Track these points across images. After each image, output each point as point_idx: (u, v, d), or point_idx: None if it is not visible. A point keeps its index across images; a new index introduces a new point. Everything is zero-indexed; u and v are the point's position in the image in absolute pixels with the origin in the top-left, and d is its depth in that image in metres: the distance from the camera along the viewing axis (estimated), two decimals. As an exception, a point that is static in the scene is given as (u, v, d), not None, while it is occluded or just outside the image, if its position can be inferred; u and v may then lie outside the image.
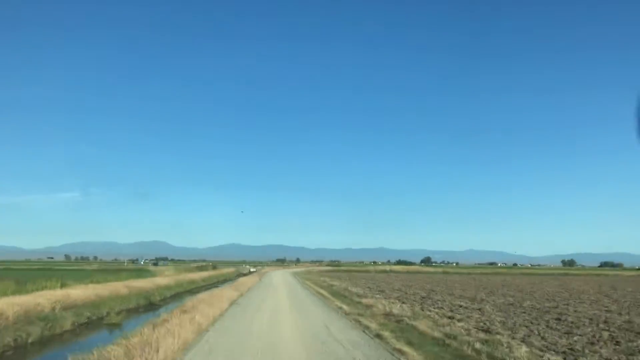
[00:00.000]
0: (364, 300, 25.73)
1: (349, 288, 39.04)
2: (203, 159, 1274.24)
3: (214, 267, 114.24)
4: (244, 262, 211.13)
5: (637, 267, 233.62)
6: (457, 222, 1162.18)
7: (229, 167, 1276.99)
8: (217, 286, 53.10)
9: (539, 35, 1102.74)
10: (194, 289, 46.27)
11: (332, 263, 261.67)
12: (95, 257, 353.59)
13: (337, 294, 33.33)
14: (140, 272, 63.16)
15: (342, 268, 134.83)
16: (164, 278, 46.68)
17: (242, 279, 53.29)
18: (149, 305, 30.40)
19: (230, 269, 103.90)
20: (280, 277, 68.01)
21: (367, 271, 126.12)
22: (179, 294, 40.03)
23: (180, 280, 47.55)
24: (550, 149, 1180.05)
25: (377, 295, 32.67)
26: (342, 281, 57.09)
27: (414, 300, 30.37)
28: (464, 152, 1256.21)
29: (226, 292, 28.87)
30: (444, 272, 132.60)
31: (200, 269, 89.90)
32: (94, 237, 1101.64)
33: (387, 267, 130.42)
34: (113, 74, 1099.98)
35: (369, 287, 44.57)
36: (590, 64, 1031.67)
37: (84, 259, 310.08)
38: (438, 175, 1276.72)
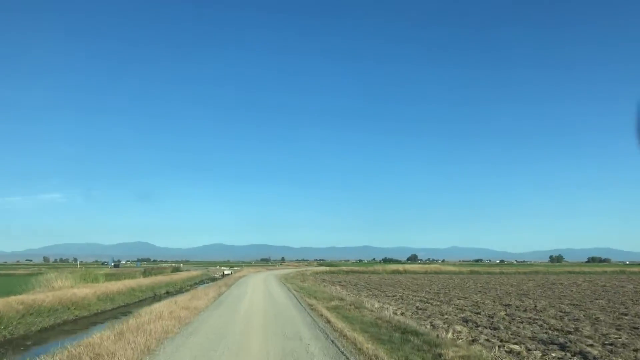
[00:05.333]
0: None
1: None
2: (187, 160, 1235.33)
3: (176, 270, 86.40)
4: (228, 263, 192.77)
5: (627, 262, 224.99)
6: (441, 220, 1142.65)
7: (213, 169, 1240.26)
8: (101, 323, 25.08)
9: (539, 44, 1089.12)
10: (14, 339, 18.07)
11: (323, 262, 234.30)
12: (76, 259, 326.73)
13: None
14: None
15: (343, 268, 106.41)
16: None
17: (160, 307, 22.23)
18: None
19: (194, 273, 75.28)
20: (260, 290, 36.93)
21: (376, 272, 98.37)
22: None
23: (19, 307, 19.35)
24: (533, 148, 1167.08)
25: None
26: (377, 296, 29.94)
27: None
28: (449, 151, 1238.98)
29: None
30: (471, 272, 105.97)
31: (146, 274, 61.25)
32: (76, 238, 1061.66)
33: (400, 267, 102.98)
34: (102, 72, 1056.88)
35: (478, 325, 17.22)
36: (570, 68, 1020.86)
37: (63, 262, 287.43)
38: (422, 174, 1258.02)
